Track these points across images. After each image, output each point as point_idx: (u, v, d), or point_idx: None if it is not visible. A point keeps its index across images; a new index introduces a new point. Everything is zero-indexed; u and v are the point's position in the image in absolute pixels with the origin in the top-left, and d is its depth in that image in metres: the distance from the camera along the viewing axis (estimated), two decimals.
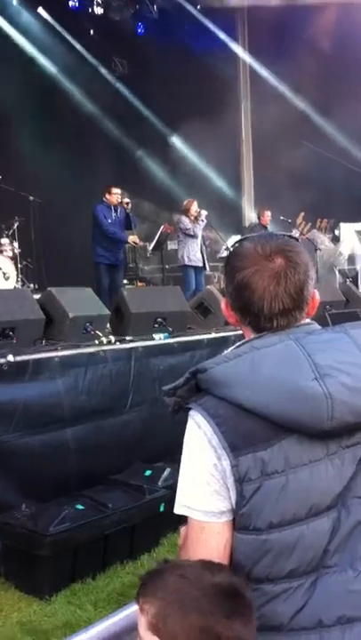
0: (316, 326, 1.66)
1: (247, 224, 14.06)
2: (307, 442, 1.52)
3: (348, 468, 1.55)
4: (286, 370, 1.50)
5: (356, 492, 1.56)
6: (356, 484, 1.56)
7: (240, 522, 1.52)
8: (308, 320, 1.67)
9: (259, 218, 11.90)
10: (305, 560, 1.54)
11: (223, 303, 1.69)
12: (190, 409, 1.55)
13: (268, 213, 11.69)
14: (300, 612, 1.54)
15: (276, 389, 1.48)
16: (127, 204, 9.19)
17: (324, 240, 11.85)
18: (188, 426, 1.56)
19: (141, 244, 9.69)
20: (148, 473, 5.08)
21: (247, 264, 1.61)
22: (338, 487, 1.55)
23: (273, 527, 1.51)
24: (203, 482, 1.52)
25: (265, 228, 11.57)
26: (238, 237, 11.40)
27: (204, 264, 10.35)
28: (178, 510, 1.56)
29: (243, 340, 1.63)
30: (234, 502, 1.51)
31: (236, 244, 1.71)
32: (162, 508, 4.68)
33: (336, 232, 11.95)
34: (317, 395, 1.47)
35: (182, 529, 1.76)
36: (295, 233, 11.10)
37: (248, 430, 1.49)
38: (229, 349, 1.61)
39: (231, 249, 1.73)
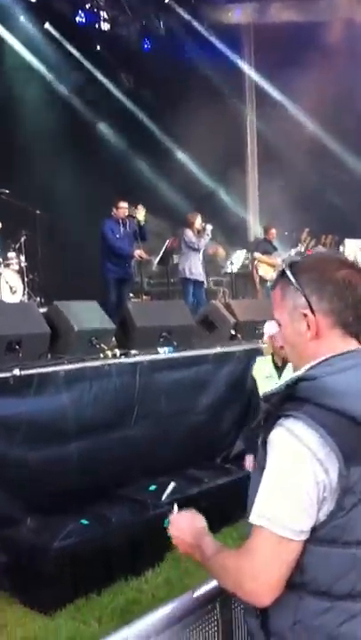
0: None
1: (252, 239, 14.08)
2: None
3: None
4: None
5: None
6: None
7: (329, 534, 1.50)
8: None
9: (265, 233, 11.92)
10: None
11: (307, 311, 1.65)
12: (283, 417, 1.53)
13: (273, 231, 11.73)
14: None
15: None
16: (142, 214, 9.21)
17: None
18: (279, 436, 1.53)
19: (147, 257, 9.68)
20: (152, 488, 5.07)
21: (341, 266, 1.65)
22: None
23: None
24: (294, 498, 1.50)
25: (270, 243, 11.58)
26: (244, 252, 11.51)
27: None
28: (255, 521, 1.53)
29: (333, 354, 1.61)
30: (324, 515, 1.50)
31: (306, 258, 1.76)
32: (166, 523, 4.66)
33: (341, 248, 11.94)
34: None
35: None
36: (300, 248, 11.12)
37: (356, 442, 1.49)
38: (316, 362, 1.61)
39: (299, 261, 1.73)
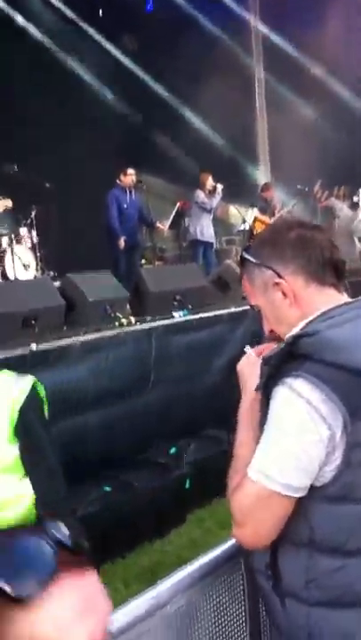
0: None
1: None
2: None
3: None
4: None
5: None
6: None
7: (339, 492, 1.51)
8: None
9: (262, 191, 11.81)
10: None
11: (276, 279, 1.67)
12: (285, 376, 1.52)
13: (271, 190, 11.64)
14: None
15: None
16: (140, 182, 9.20)
17: (342, 207, 11.71)
18: (280, 394, 1.53)
19: (123, 245, 9.50)
20: (172, 450, 5.14)
21: (291, 228, 1.70)
22: None
23: None
24: (293, 455, 1.50)
25: (265, 201, 11.47)
26: (256, 210, 11.43)
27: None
28: (253, 476, 1.54)
29: (331, 308, 1.61)
30: (331, 472, 1.50)
31: (256, 237, 1.84)
32: (187, 485, 4.74)
33: (354, 199, 11.79)
34: None
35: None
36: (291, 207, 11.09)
37: (360, 396, 1.48)
38: (313, 317, 1.61)
39: (252, 244, 1.80)
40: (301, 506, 1.54)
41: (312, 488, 1.53)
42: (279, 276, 1.65)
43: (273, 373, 1.55)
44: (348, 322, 1.55)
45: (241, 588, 1.98)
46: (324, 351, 1.49)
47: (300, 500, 1.53)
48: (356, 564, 1.53)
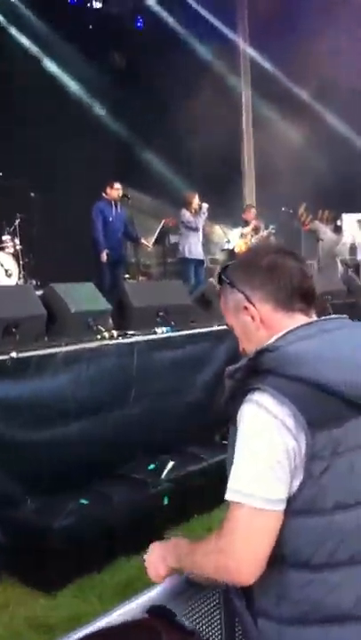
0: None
1: None
2: None
3: None
4: None
5: None
6: None
7: (304, 504, 1.51)
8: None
9: (243, 212, 11.90)
10: None
11: (245, 304, 1.73)
12: (249, 391, 1.55)
13: (252, 210, 11.74)
14: None
15: (357, 369, 1.55)
16: (125, 195, 9.23)
17: (326, 231, 11.86)
18: (247, 409, 1.55)
19: (105, 257, 9.51)
20: (151, 466, 5.10)
21: (266, 254, 1.75)
22: None
23: (339, 507, 1.51)
24: (266, 468, 1.51)
25: (246, 222, 11.56)
26: (240, 229, 11.52)
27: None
28: (231, 497, 1.54)
29: (297, 326, 1.66)
30: (297, 485, 1.51)
31: (237, 259, 1.91)
32: (166, 501, 4.69)
33: (338, 223, 11.97)
34: None
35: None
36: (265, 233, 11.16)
37: (322, 408, 1.51)
38: (281, 335, 1.65)
39: (230, 264, 1.85)
40: None
41: None
42: (248, 301, 1.72)
43: (237, 387, 1.59)
44: (310, 337, 1.60)
45: (217, 607, 1.96)
46: (286, 366, 1.53)
47: None
48: (324, 579, 1.53)
